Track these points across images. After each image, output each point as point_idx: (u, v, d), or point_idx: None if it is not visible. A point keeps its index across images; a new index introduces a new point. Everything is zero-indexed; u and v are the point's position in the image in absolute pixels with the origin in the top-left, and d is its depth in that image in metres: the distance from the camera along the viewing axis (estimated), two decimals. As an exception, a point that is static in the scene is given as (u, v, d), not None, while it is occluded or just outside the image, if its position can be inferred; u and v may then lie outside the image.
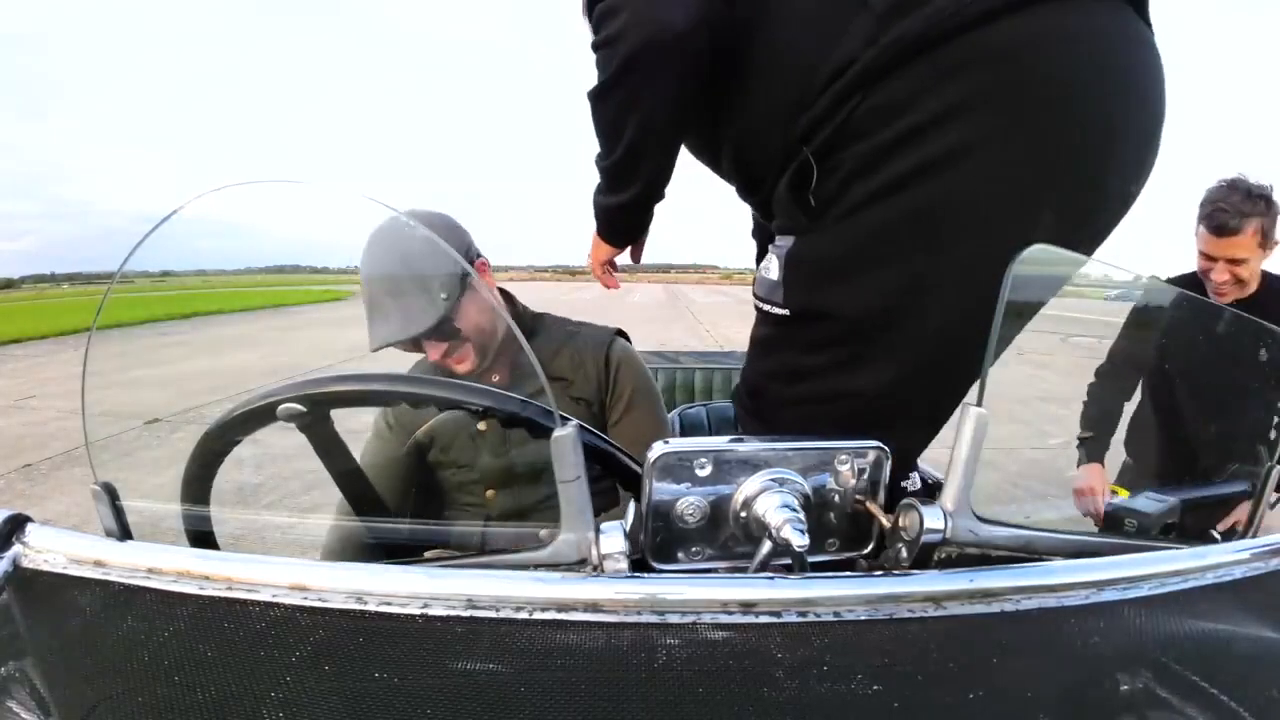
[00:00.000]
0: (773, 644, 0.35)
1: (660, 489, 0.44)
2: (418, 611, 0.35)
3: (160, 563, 0.38)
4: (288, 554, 0.39)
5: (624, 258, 0.88)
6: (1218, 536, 0.70)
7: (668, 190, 0.76)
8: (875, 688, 0.34)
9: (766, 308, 0.69)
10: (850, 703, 0.34)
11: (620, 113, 0.65)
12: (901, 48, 0.55)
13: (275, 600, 0.36)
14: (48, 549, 0.40)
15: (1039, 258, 0.55)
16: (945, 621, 0.36)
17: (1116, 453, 1.49)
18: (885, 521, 0.47)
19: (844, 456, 0.46)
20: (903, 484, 0.47)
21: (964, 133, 0.55)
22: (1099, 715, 0.37)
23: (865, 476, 0.47)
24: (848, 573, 0.42)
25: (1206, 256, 1.42)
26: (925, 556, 0.44)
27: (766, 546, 0.43)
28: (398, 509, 0.91)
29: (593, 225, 0.85)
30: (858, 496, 0.48)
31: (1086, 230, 0.61)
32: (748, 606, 0.36)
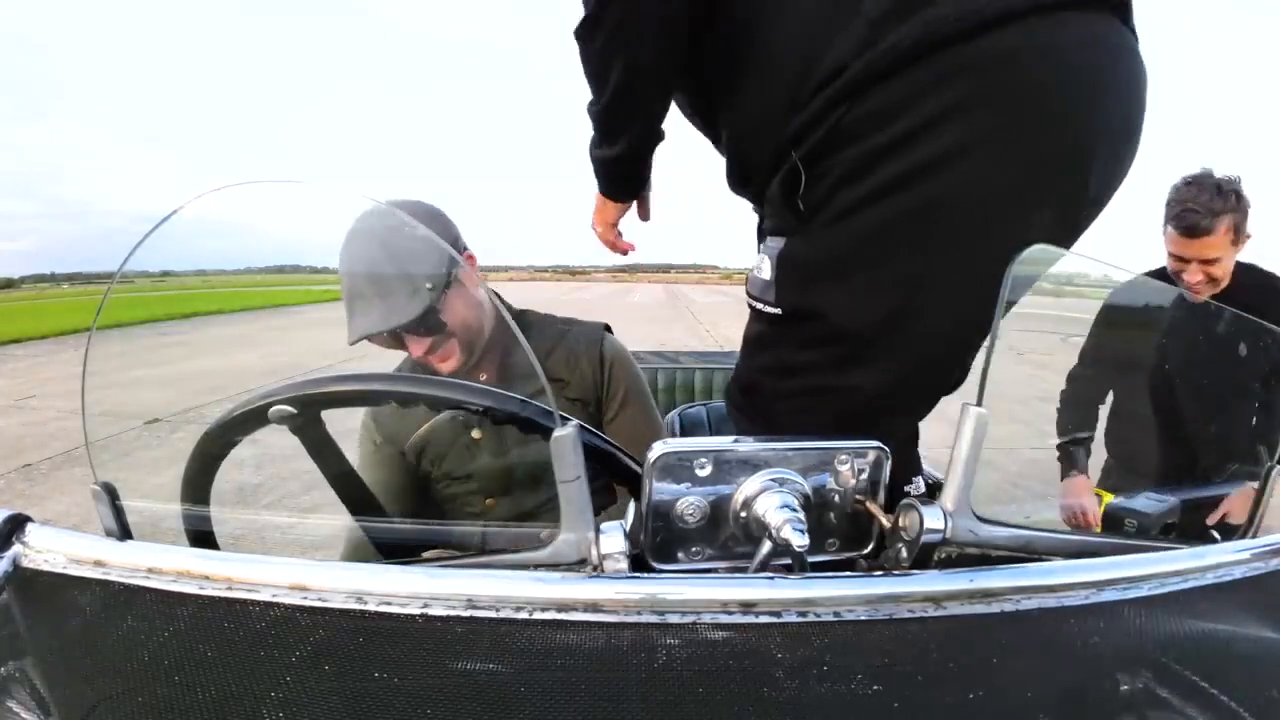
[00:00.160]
0: (773, 644, 0.35)
1: (660, 489, 0.44)
2: (418, 611, 0.35)
3: (160, 563, 0.38)
4: (288, 554, 0.39)
5: (629, 258, 0.87)
6: (1217, 537, 0.70)
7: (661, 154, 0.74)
8: (875, 688, 0.34)
9: (759, 306, 0.69)
10: (850, 703, 0.34)
11: (606, 48, 0.64)
12: (896, 55, 0.55)
13: (275, 600, 0.36)
14: (48, 549, 0.40)
15: (1038, 258, 0.55)
16: (945, 621, 0.36)
17: (1096, 454, 1.47)
18: (885, 521, 0.47)
19: (844, 456, 0.46)
20: (906, 489, 0.47)
21: (956, 137, 0.55)
22: (1099, 715, 0.37)
23: (865, 476, 0.47)
24: (848, 573, 0.42)
25: (1178, 258, 1.37)
26: (925, 556, 0.44)
27: (766, 546, 0.43)
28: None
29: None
30: (858, 496, 0.48)
31: (1069, 230, 0.62)
32: (748, 606, 0.36)
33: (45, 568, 0.39)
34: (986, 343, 0.46)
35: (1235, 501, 0.92)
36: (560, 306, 1.27)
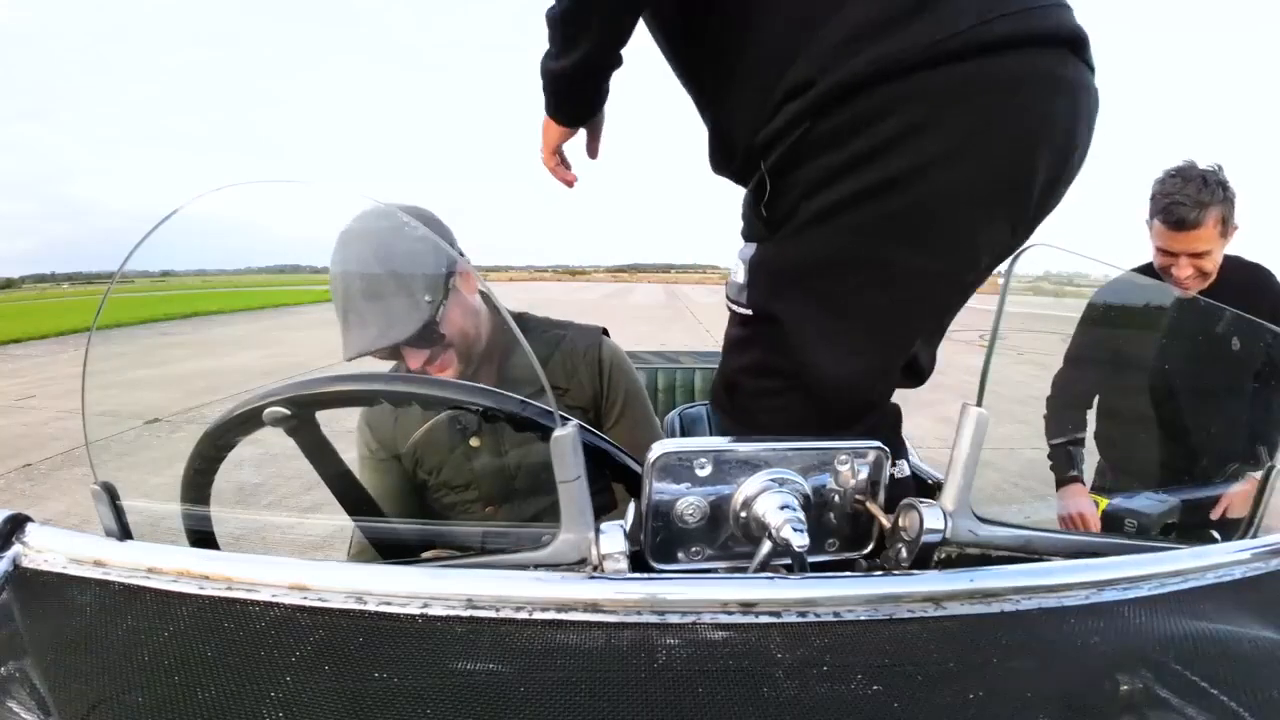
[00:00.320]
0: (773, 644, 0.35)
1: (660, 489, 0.44)
2: (418, 611, 0.35)
3: (160, 562, 0.38)
4: (288, 554, 0.39)
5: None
6: (1217, 536, 0.70)
7: (623, 61, 0.70)
8: (875, 688, 0.34)
9: (735, 308, 0.72)
10: (850, 703, 0.34)
11: None
12: (856, 79, 0.57)
13: (275, 600, 0.36)
14: (48, 549, 0.40)
15: (1038, 258, 0.55)
16: (945, 621, 0.36)
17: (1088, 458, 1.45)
18: (885, 521, 0.47)
19: (844, 456, 0.47)
20: (891, 471, 0.48)
21: (910, 159, 0.58)
22: (1099, 715, 0.37)
23: (865, 476, 0.47)
24: (848, 573, 0.42)
25: (1165, 253, 1.33)
26: (925, 556, 0.44)
27: (766, 546, 0.43)
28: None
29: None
30: (857, 496, 0.48)
31: (1018, 241, 0.66)
32: (748, 606, 0.36)
33: (45, 568, 0.40)
34: (987, 343, 0.46)
35: (1235, 496, 0.92)
36: (561, 306, 1.27)
